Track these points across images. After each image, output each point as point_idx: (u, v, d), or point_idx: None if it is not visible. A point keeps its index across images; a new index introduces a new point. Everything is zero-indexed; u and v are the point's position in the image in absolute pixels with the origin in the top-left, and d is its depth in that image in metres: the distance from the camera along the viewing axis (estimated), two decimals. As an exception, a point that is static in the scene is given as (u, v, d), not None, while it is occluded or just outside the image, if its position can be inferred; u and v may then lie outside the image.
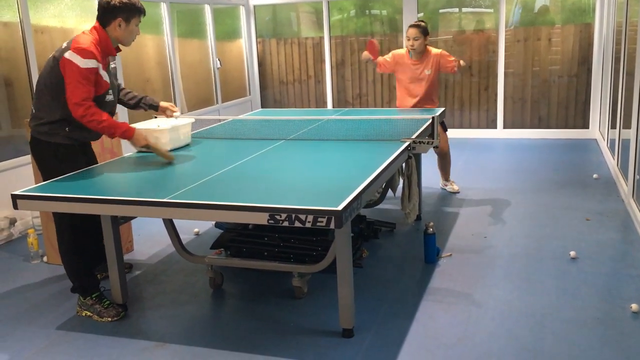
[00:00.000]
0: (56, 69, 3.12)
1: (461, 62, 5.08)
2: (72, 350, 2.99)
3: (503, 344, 2.84)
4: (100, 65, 3.18)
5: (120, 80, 5.93)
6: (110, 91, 3.33)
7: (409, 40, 4.99)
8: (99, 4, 3.21)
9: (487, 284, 3.49)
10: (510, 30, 7.68)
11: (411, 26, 5.03)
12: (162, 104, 3.81)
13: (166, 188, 2.91)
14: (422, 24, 5.03)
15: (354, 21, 8.55)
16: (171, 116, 3.83)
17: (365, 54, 5.08)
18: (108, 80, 3.28)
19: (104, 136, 3.96)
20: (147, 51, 6.76)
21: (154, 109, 3.81)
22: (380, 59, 5.20)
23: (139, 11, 3.28)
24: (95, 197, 2.81)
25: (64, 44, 3.17)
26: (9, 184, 4.34)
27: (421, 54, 5.04)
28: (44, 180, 3.22)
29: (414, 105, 5.18)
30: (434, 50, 5.11)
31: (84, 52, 3.08)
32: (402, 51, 5.17)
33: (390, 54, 5.22)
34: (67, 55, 3.08)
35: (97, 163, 3.55)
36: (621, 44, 5.59)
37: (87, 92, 3.11)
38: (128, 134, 3.30)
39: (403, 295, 3.42)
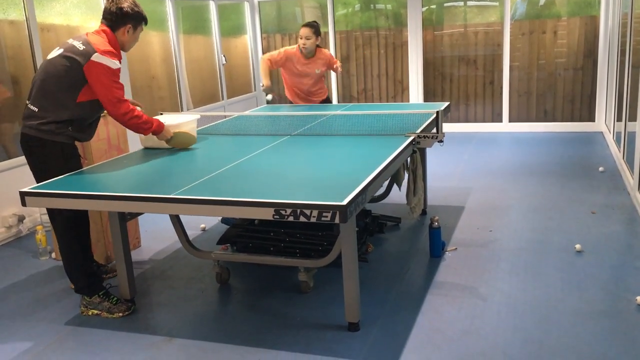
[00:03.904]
0: (76, 69, 3.13)
1: (339, 66, 5.33)
2: (81, 345, 3.02)
3: (509, 337, 2.85)
4: None
5: (127, 80, 5.98)
6: None
7: (301, 39, 5.08)
8: (109, 10, 3.27)
9: (493, 278, 3.50)
10: (515, 24, 7.66)
11: (304, 26, 5.12)
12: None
13: (172, 184, 2.93)
14: (315, 24, 5.14)
15: (358, 16, 8.54)
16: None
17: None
18: None
19: (109, 134, 4.02)
20: (153, 48, 6.78)
21: None
22: (267, 55, 5.25)
23: (145, 20, 3.41)
24: (103, 193, 2.84)
25: (77, 44, 3.18)
26: (16, 181, 4.37)
27: (312, 53, 5.15)
28: (39, 181, 3.19)
29: (301, 101, 5.35)
30: (324, 51, 5.27)
31: (111, 54, 3.19)
32: (294, 48, 5.23)
33: (282, 50, 5.26)
34: (96, 58, 3.12)
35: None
36: (627, 37, 5.57)
37: (123, 91, 3.25)
38: (161, 127, 3.50)
39: (408, 289, 3.44)
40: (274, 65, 5.21)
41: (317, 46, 5.18)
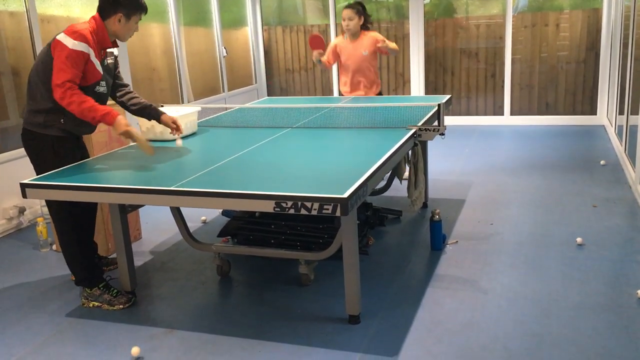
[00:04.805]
0: (49, 54, 3.06)
1: (390, 45, 5.06)
2: (81, 337, 3.02)
3: (509, 330, 2.85)
4: (93, 53, 3.10)
5: (127, 73, 5.95)
6: (103, 83, 3.25)
7: (344, 20, 5.05)
8: None
9: (493, 271, 3.50)
10: (517, 16, 7.62)
11: (346, 7, 5.08)
12: (164, 118, 3.53)
13: (173, 176, 2.93)
14: (357, 5, 5.08)
15: (360, 8, 8.50)
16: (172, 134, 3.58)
17: (316, 53, 5.06)
18: (101, 72, 3.20)
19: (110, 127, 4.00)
20: (153, 40, 6.76)
21: (156, 120, 3.58)
22: (324, 57, 5.22)
23: (141, 9, 3.24)
24: (104, 185, 2.83)
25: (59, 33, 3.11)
26: (18, 173, 4.36)
27: (356, 35, 5.10)
28: (38, 174, 3.13)
29: (355, 89, 5.23)
30: (370, 33, 5.16)
31: (75, 34, 3.02)
32: (340, 38, 5.23)
33: (330, 44, 5.28)
34: (59, 37, 3.03)
35: (89, 157, 3.46)
36: (629, 29, 5.54)
37: (71, 75, 3.00)
38: (108, 118, 3.09)
39: (409, 282, 3.44)
40: (331, 59, 5.22)
41: (365, 28, 5.11)
